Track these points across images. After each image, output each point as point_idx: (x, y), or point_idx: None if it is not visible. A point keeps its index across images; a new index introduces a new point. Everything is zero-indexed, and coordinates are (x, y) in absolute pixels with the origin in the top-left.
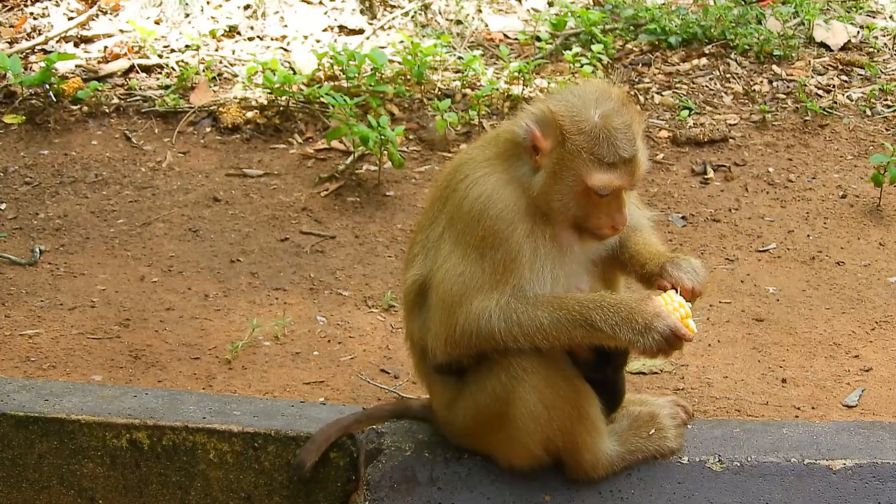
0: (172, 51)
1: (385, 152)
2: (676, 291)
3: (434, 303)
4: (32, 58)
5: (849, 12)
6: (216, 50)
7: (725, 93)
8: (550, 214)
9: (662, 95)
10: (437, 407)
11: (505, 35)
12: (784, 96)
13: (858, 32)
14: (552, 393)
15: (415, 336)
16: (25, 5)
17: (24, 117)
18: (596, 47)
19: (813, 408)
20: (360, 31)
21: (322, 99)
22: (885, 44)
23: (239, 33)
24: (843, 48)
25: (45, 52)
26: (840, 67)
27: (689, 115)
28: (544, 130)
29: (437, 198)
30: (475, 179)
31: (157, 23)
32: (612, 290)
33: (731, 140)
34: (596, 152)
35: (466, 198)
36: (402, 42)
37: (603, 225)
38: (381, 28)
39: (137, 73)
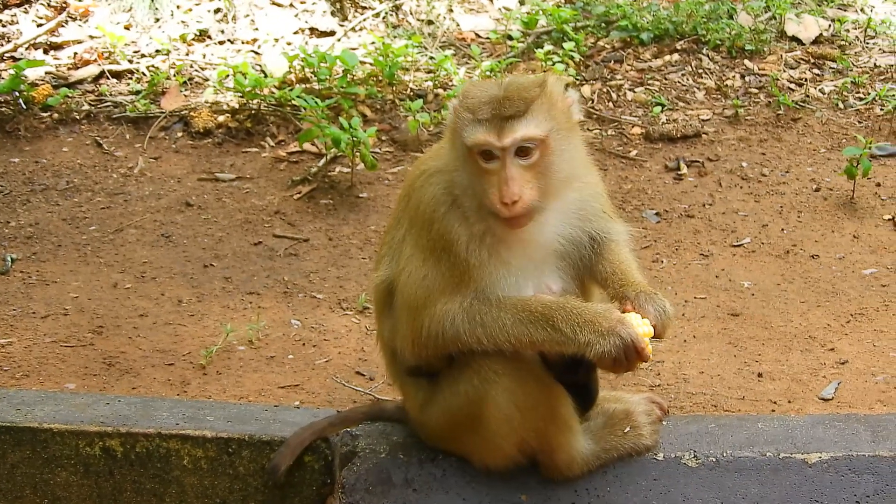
0: (143, 56)
1: (357, 154)
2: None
3: (400, 306)
4: (1, 65)
5: (820, 5)
6: (187, 54)
7: (698, 88)
8: (469, 200)
9: (635, 92)
10: (411, 409)
11: (476, 34)
12: (756, 91)
13: (830, 26)
14: (524, 394)
15: (385, 337)
16: None
17: None
18: (567, 45)
19: (789, 401)
20: (332, 33)
21: (293, 101)
22: (857, 36)
23: (209, 37)
24: (815, 42)
25: (15, 59)
26: (812, 61)
27: (662, 111)
28: (455, 105)
29: (401, 197)
30: (426, 180)
31: (126, 28)
32: (586, 295)
33: (703, 135)
34: (472, 111)
35: (421, 200)
36: (373, 43)
37: (495, 200)
38: (353, 29)
39: (108, 78)
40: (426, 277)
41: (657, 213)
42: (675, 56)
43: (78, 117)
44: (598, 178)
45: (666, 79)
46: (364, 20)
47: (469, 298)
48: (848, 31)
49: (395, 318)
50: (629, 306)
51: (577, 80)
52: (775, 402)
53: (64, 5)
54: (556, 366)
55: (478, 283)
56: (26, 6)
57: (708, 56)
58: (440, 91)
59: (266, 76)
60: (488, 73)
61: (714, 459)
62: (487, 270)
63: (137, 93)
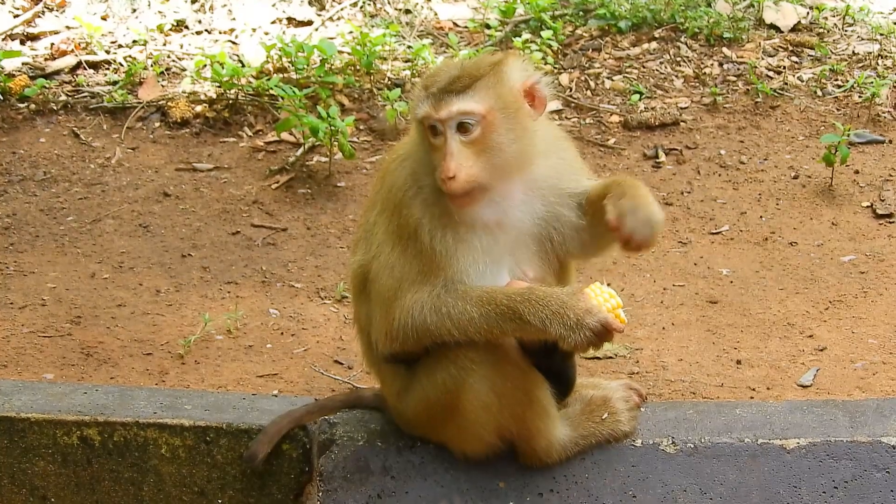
0: (120, 46)
1: (335, 143)
2: (604, 284)
3: (373, 297)
4: None
5: None
6: (164, 44)
7: (676, 76)
8: (426, 177)
9: (613, 80)
10: (388, 395)
11: (454, 23)
12: (735, 78)
13: (808, 13)
14: (502, 380)
15: (362, 322)
16: None
17: None
18: (545, 33)
19: (768, 388)
20: (309, 23)
21: (271, 91)
22: (835, 24)
23: (186, 27)
24: (793, 29)
25: None
26: (790, 49)
27: (640, 100)
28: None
29: (377, 179)
30: (399, 163)
31: (103, 18)
32: (565, 274)
33: (682, 123)
34: (425, 85)
35: (394, 183)
36: (350, 32)
37: (439, 175)
38: (330, 19)
39: (85, 69)
40: (394, 267)
41: None
42: (653, 44)
43: (55, 108)
44: (573, 154)
45: (644, 67)
46: (341, 10)
47: (438, 288)
48: (826, 18)
49: (370, 305)
50: (613, 217)
51: (555, 68)
52: (754, 389)
53: None
54: (533, 352)
55: (446, 272)
56: None
57: (686, 44)
58: (418, 80)
59: (243, 66)
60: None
61: (692, 446)
62: (455, 257)
63: (115, 83)
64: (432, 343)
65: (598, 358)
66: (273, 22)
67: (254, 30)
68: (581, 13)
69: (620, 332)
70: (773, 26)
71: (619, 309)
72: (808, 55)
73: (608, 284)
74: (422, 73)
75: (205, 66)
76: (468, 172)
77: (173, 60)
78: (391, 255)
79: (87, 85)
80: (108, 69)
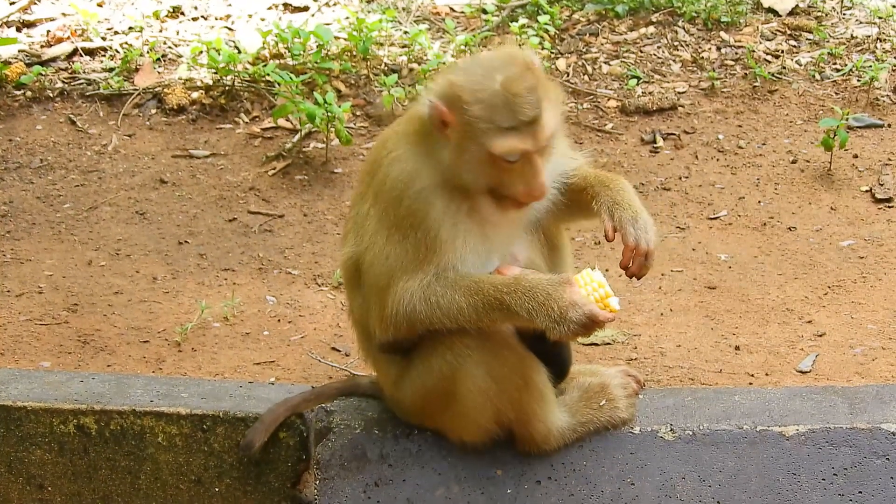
0: (116, 33)
1: (332, 129)
2: (592, 267)
3: (367, 286)
4: None
5: None
6: (160, 31)
7: (674, 61)
8: (466, 187)
9: (610, 65)
10: (384, 384)
11: (451, 8)
12: (733, 63)
13: None
14: (499, 365)
15: (357, 313)
16: None
17: None
18: (542, 18)
19: (767, 374)
20: (305, 9)
21: (268, 77)
22: (833, 7)
23: (183, 13)
24: (791, 13)
25: None
26: (788, 32)
27: (638, 84)
28: (448, 104)
29: (366, 172)
30: (397, 156)
31: (99, 5)
32: (556, 254)
33: (680, 108)
34: (495, 118)
35: (389, 175)
36: (347, 18)
37: (520, 193)
38: (326, 4)
39: (81, 56)
40: (389, 256)
41: (633, 187)
42: (651, 28)
43: (51, 95)
44: (561, 138)
45: (641, 51)
46: None
47: (429, 276)
48: (824, 2)
49: (364, 295)
50: (610, 228)
51: (552, 53)
52: (753, 375)
53: None
54: (525, 335)
55: (440, 259)
56: None
57: (684, 28)
58: (415, 66)
59: (240, 52)
60: (463, 47)
61: (691, 433)
62: (455, 244)
63: (111, 70)
64: (425, 330)
65: (596, 344)
66: (269, 8)
67: (250, 16)
68: None
69: (611, 320)
70: (770, 10)
71: (610, 298)
72: (807, 39)
73: (606, 270)
74: (420, 62)
75: (201, 52)
76: (548, 184)
77: (169, 47)
78: (386, 246)
79: (84, 72)
80: (104, 56)
